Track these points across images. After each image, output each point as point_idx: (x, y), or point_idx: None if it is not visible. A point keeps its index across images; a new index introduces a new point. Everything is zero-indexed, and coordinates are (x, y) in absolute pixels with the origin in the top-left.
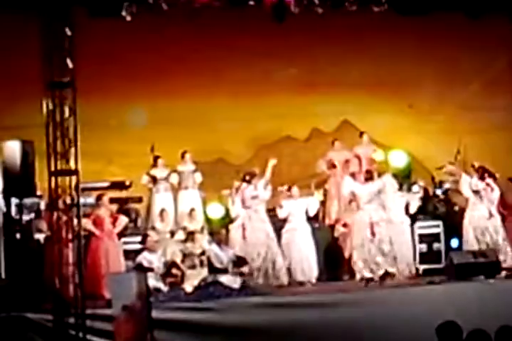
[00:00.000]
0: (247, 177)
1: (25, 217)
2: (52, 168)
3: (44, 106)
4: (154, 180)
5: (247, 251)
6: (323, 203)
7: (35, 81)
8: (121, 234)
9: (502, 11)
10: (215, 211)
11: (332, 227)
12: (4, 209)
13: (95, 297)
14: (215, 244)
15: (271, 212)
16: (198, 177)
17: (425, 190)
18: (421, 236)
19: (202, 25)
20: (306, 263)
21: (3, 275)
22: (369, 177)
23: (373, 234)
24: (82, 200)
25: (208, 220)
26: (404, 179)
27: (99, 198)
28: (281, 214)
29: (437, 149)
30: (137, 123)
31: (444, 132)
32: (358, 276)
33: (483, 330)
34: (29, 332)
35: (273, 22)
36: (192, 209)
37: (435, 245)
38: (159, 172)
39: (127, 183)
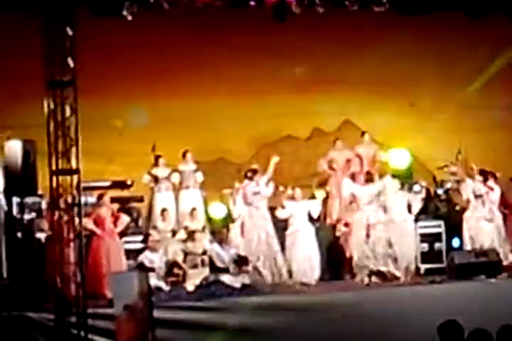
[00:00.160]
0: (249, 174)
1: (27, 216)
2: (54, 167)
3: (45, 105)
4: (156, 179)
5: (246, 249)
6: (324, 202)
7: (37, 80)
8: (122, 234)
9: (502, 10)
10: (217, 210)
11: (333, 227)
12: (6, 209)
13: (97, 296)
14: (216, 243)
15: (273, 210)
16: (199, 176)
17: (427, 190)
18: (422, 235)
19: (203, 24)
20: (309, 264)
21: (4, 275)
22: (369, 178)
23: (368, 235)
24: (83, 199)
25: (209, 219)
26: (406, 178)
27: (100, 197)
28: (282, 214)
29: (439, 148)
30: (138, 123)
31: (446, 131)
32: (357, 276)
33: (485, 330)
34: (31, 331)
35: (274, 21)
36: (193, 209)
37: (436, 245)
38: (160, 171)
39: (128, 182)
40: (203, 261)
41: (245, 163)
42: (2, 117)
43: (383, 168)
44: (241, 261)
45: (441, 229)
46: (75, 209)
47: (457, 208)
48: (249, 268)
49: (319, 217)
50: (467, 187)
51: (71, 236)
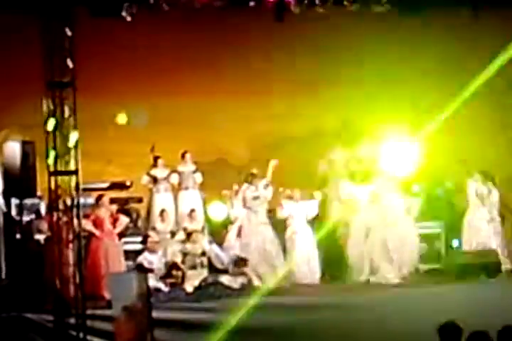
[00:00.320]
0: (249, 178)
1: (26, 218)
2: (52, 169)
3: (44, 106)
4: (154, 180)
5: (242, 252)
6: (323, 203)
7: (36, 81)
8: (121, 235)
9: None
10: (217, 211)
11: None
12: (5, 210)
13: (96, 297)
14: (215, 244)
15: (271, 213)
16: (199, 177)
17: (426, 190)
18: (422, 236)
19: (202, 25)
20: (308, 266)
21: (3, 276)
22: (367, 178)
23: (367, 236)
24: (82, 201)
25: (208, 220)
26: (405, 179)
27: (99, 198)
28: (280, 213)
29: (439, 148)
30: (138, 123)
31: (445, 131)
32: (355, 277)
33: (484, 331)
34: (29, 332)
35: (273, 22)
36: (192, 210)
37: (436, 245)
38: (159, 172)
39: (127, 183)
40: (202, 262)
41: (244, 164)
42: (1, 118)
43: (382, 168)
44: (240, 262)
45: (441, 230)
46: (74, 210)
47: (457, 208)
48: (247, 269)
49: (318, 218)
50: (470, 187)
51: (70, 237)
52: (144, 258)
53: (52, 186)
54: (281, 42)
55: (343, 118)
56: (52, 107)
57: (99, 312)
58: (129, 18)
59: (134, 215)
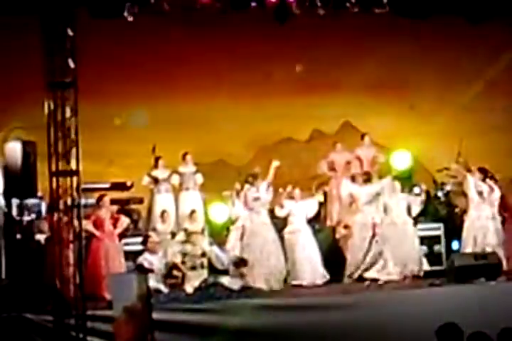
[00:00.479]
0: (250, 179)
1: (26, 218)
2: (53, 169)
3: (45, 106)
4: (155, 181)
5: (244, 253)
6: (324, 205)
7: (37, 81)
8: (122, 235)
9: (502, 14)
10: (218, 212)
11: (333, 229)
12: (5, 210)
13: (96, 298)
14: (215, 245)
15: (272, 213)
16: (199, 178)
17: (426, 192)
18: (422, 238)
19: (203, 26)
20: (310, 265)
21: (3, 276)
22: (367, 179)
23: (374, 235)
24: (83, 201)
25: (208, 221)
26: (406, 180)
27: (100, 199)
28: (280, 213)
29: (438, 151)
30: (138, 124)
31: (446, 133)
32: (355, 279)
33: (484, 332)
34: (29, 332)
35: (274, 23)
36: (193, 211)
37: (436, 247)
38: (160, 173)
39: (128, 184)
40: (202, 263)
41: (245, 165)
42: (2, 118)
43: (383, 170)
44: (240, 264)
45: (441, 232)
46: (75, 210)
47: (457, 210)
48: (247, 270)
49: (319, 218)
50: (470, 184)
51: (70, 237)
52: (145, 259)
53: (54, 186)
54: (282, 43)
55: (344, 119)
56: (53, 107)
57: (99, 312)
58: (130, 18)
59: (135, 216)
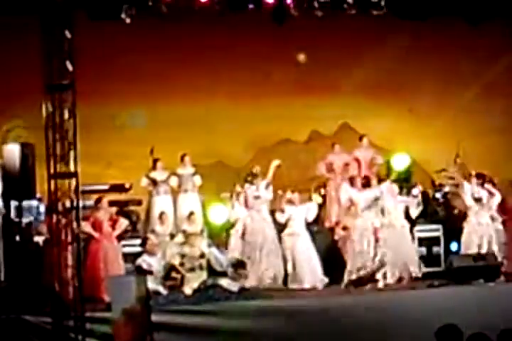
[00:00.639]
0: (249, 178)
1: (25, 220)
2: (52, 171)
3: (44, 108)
4: (154, 182)
5: (246, 253)
6: (322, 206)
7: (35, 83)
8: (120, 237)
9: (501, 16)
10: (217, 214)
11: (332, 230)
12: (4, 212)
13: (94, 300)
14: (214, 247)
15: (274, 214)
16: (198, 180)
17: (425, 194)
18: (420, 239)
19: (201, 27)
20: (310, 268)
21: (2, 278)
22: (367, 183)
23: (377, 240)
24: (81, 203)
25: (207, 223)
26: (404, 182)
27: (98, 201)
28: (281, 218)
29: (437, 152)
30: (137, 126)
31: (444, 135)
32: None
33: (484, 334)
34: (28, 334)
35: (272, 25)
36: (191, 213)
37: (435, 248)
38: (159, 175)
39: (127, 186)
40: (200, 265)
41: (243, 166)
42: (1, 120)
43: (381, 171)
44: (239, 265)
45: (440, 233)
46: (73, 212)
47: (455, 212)
48: (246, 272)
49: (317, 220)
50: (466, 190)
51: (69, 239)
52: (143, 261)
53: (52, 188)
54: (280, 45)
55: (342, 121)
56: (51, 109)
57: (98, 314)
58: (128, 20)
59: (134, 218)
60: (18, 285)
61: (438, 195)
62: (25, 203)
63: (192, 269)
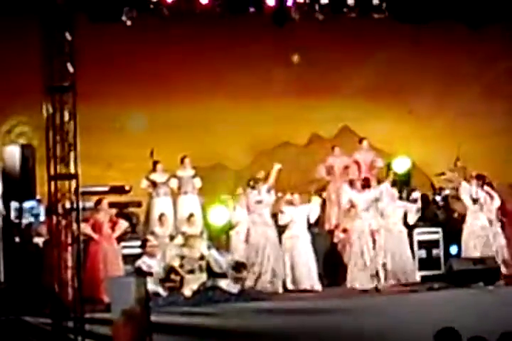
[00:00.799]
0: (251, 183)
1: (25, 221)
2: (52, 172)
3: (44, 110)
4: (154, 184)
5: (248, 256)
6: (322, 208)
7: (36, 85)
8: (120, 239)
9: (501, 19)
10: (217, 216)
11: (331, 233)
12: (4, 213)
13: (94, 301)
14: (214, 249)
15: (275, 217)
16: (198, 182)
17: (425, 197)
18: (420, 242)
19: (202, 30)
20: (309, 270)
21: (2, 279)
22: (366, 184)
23: (374, 241)
24: (81, 204)
25: (207, 225)
26: (404, 185)
27: (98, 202)
28: (282, 220)
29: (437, 155)
30: (137, 128)
31: (444, 138)
32: (356, 284)
33: (483, 337)
34: (28, 335)
35: (273, 27)
36: (191, 214)
37: (434, 251)
38: (158, 176)
39: (127, 188)
40: (200, 267)
41: (243, 169)
42: (1, 121)
43: (382, 172)
44: (239, 267)
45: (439, 236)
46: (73, 214)
47: (455, 215)
48: (246, 274)
49: (317, 222)
50: (465, 191)
51: (69, 240)
52: (143, 262)
53: (52, 190)
54: (280, 48)
55: (342, 123)
56: (52, 111)
57: (97, 315)
58: (129, 23)
59: (133, 219)
60: (18, 286)
61: (438, 198)
62: (25, 204)
63: (191, 271)
